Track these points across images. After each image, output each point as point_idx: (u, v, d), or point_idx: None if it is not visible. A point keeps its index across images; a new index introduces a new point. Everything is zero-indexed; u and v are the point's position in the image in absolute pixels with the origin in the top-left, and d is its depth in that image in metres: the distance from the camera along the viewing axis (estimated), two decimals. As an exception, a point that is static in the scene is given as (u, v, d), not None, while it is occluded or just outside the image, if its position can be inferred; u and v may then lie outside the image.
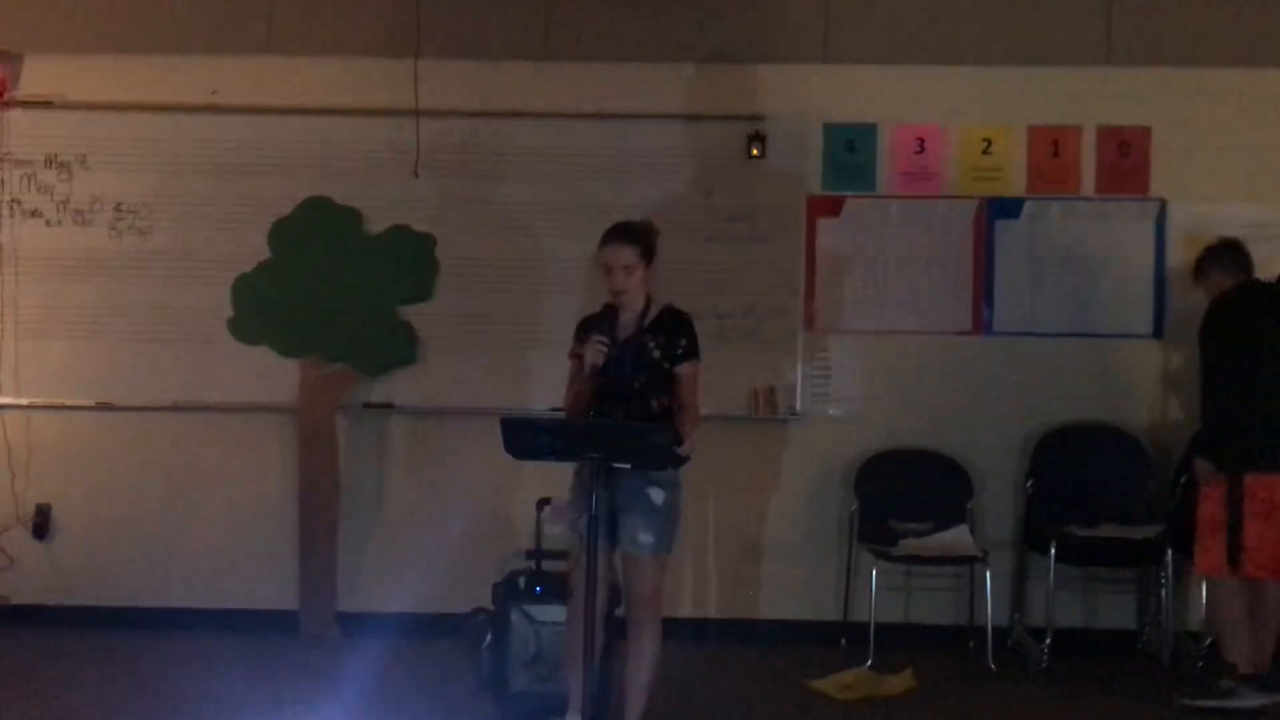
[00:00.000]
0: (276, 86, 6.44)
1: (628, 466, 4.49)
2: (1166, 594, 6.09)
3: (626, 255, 4.74)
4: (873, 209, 6.44)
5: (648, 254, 4.79)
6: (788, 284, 6.39)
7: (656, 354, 4.75)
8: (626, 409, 4.71)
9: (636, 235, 4.79)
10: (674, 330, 4.79)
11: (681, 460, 4.67)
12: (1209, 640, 5.99)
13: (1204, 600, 5.99)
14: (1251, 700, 5.38)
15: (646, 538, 4.67)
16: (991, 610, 5.99)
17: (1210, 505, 5.47)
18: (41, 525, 6.49)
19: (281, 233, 6.42)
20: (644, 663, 4.76)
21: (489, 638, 5.39)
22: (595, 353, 4.63)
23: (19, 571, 6.48)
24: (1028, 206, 6.42)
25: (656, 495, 4.69)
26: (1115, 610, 6.40)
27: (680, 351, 4.77)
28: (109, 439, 6.51)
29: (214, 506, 6.49)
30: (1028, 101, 6.40)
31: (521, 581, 5.36)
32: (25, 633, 6.28)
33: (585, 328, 4.85)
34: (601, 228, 4.85)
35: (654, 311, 4.82)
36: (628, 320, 4.78)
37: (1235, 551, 5.39)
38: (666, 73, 6.42)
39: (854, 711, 5.40)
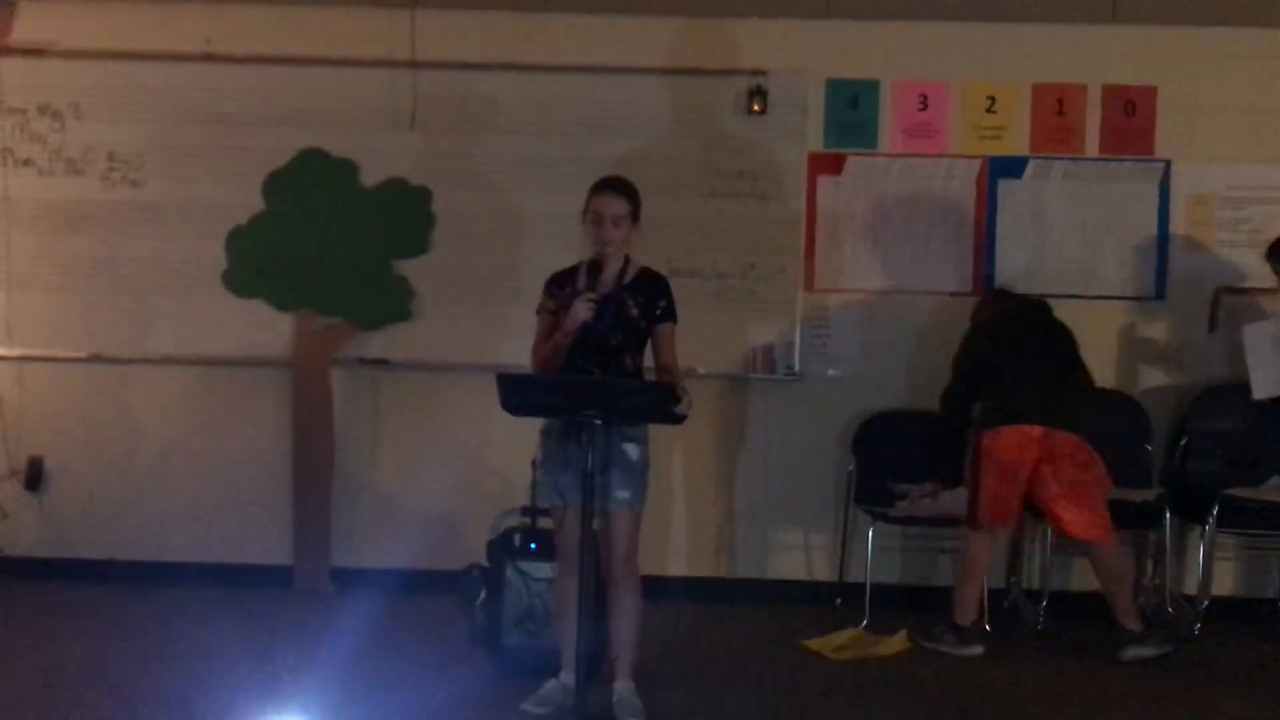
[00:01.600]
0: (272, 36, 6.42)
1: (599, 424, 4.48)
2: (1165, 557, 6.14)
3: (619, 206, 4.76)
4: (874, 167, 6.45)
5: (636, 211, 4.81)
6: (787, 243, 6.41)
7: (635, 312, 4.77)
8: (603, 366, 4.72)
9: (629, 189, 4.82)
10: (653, 290, 4.81)
11: (680, 419, 4.70)
12: (1205, 604, 6.06)
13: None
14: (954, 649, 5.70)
15: (624, 493, 4.71)
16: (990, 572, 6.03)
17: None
18: (34, 477, 6.52)
19: (276, 184, 6.42)
20: (630, 620, 4.80)
21: (483, 594, 5.41)
22: (586, 309, 4.64)
23: (12, 524, 6.53)
24: (1031, 166, 6.42)
25: (633, 451, 4.73)
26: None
27: (659, 312, 4.79)
28: (102, 391, 6.54)
29: (207, 460, 6.52)
30: (1033, 59, 6.39)
31: (516, 538, 5.39)
32: (17, 585, 6.32)
33: (556, 282, 4.87)
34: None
35: (632, 271, 4.84)
36: (606, 277, 4.79)
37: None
38: (667, 27, 6.40)
39: (848, 671, 5.45)
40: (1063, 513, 5.66)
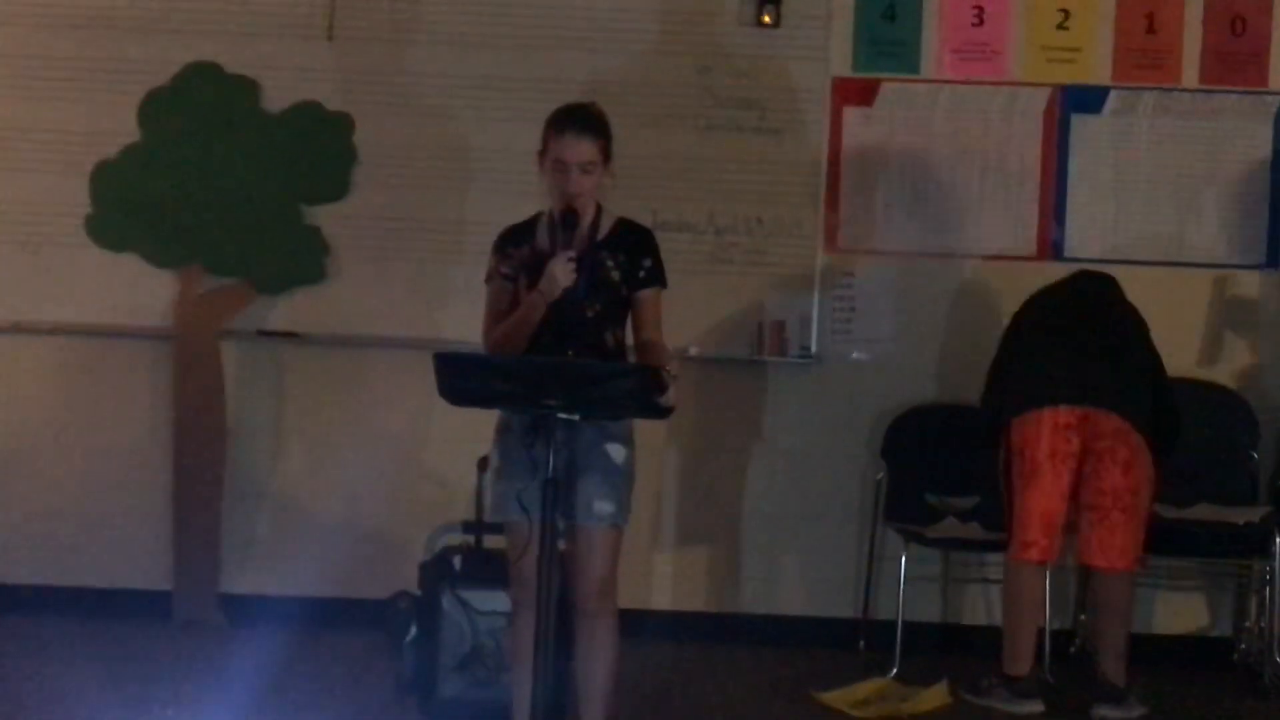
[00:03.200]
0: (152, -82, 6.44)
1: (577, 418, 4.48)
2: (1272, 592, 6.18)
3: (587, 150, 4.68)
4: (916, 96, 6.49)
5: (609, 150, 4.77)
6: (805, 191, 6.44)
7: (615, 275, 4.74)
8: (576, 344, 4.70)
9: (599, 124, 4.75)
10: (636, 248, 4.75)
11: (666, 411, 4.72)
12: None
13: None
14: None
15: (605, 505, 4.67)
16: (1050, 609, 6.08)
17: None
18: None
19: (155, 108, 6.43)
20: (604, 664, 4.79)
21: (413, 630, 5.44)
22: (566, 272, 4.63)
23: None
24: (1113, 98, 6.47)
25: (617, 453, 4.69)
26: (1205, 610, 6.54)
27: (644, 274, 4.75)
28: (-71, 367, 6.55)
29: (67, 458, 6.53)
30: (1117, -39, 6.44)
31: (456, 560, 5.41)
32: None
33: (509, 240, 4.84)
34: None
35: (607, 224, 4.80)
36: (578, 236, 4.74)
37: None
38: (653, -89, 6.44)
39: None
40: (1101, 529, 5.70)
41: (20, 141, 6.46)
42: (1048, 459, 5.65)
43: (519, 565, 4.76)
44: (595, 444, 4.66)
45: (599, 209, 4.78)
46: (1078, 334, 5.78)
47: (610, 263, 4.72)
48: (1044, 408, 5.66)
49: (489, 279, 4.83)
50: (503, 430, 4.80)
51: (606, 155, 4.74)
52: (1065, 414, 5.65)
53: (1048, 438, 5.65)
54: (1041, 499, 5.66)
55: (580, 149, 4.66)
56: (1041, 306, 5.91)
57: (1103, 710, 5.64)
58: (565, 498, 4.60)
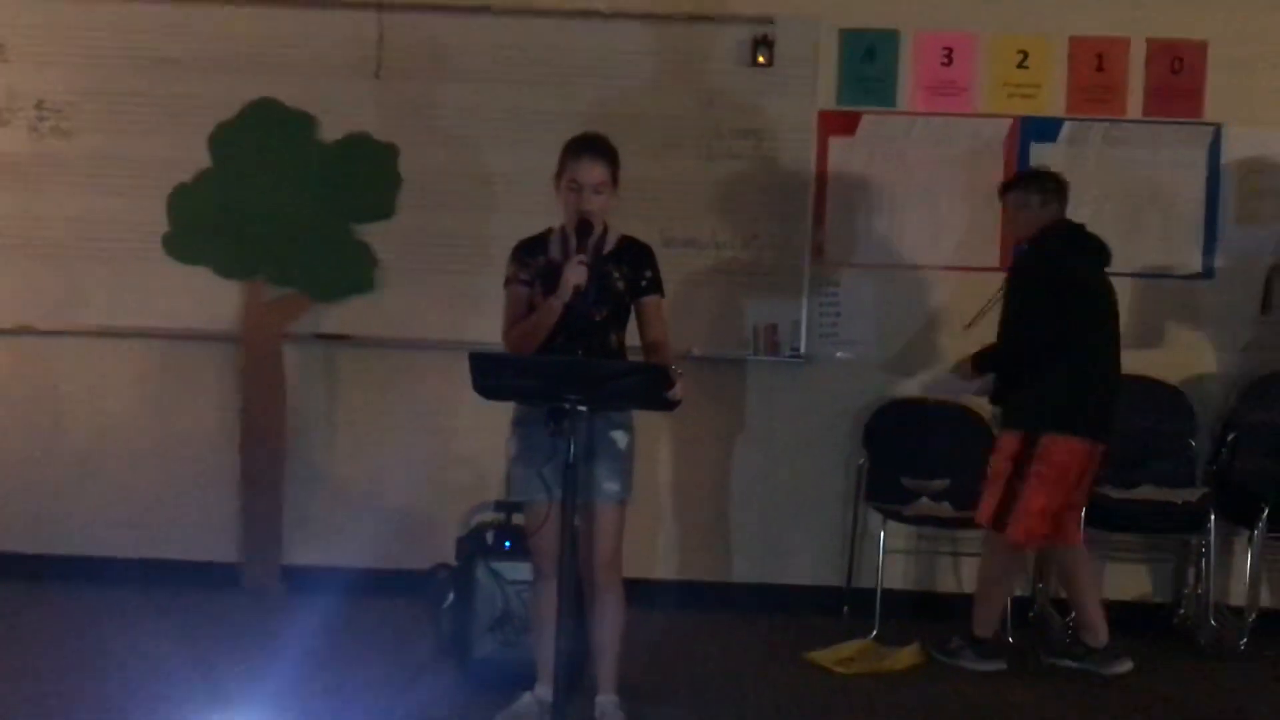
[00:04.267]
0: (221, -29, 6.39)
1: (586, 410, 4.45)
2: (1207, 564, 6.12)
3: (600, 172, 4.69)
4: (892, 127, 6.43)
5: (617, 173, 4.76)
6: (794, 210, 6.39)
7: (620, 284, 4.74)
8: (586, 344, 4.69)
9: (610, 151, 4.75)
10: (638, 260, 4.77)
11: (673, 405, 4.66)
12: (1252, 616, 6.07)
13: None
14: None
15: (613, 485, 4.69)
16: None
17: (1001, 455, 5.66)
18: (-50, 462, 6.51)
19: (224, 138, 6.39)
20: (614, 628, 4.78)
21: (451, 597, 5.42)
22: (578, 272, 4.59)
23: (-76, 513, 6.50)
24: (1067, 128, 6.41)
25: (620, 438, 4.71)
26: (1148, 580, 6.46)
27: (645, 283, 4.76)
28: (29, 367, 6.51)
29: (145, 445, 6.50)
30: (1070, 9, 6.37)
31: (489, 535, 5.38)
32: (-70, 581, 6.31)
33: (526, 250, 4.82)
34: (589, 139, 4.84)
35: (613, 240, 4.79)
36: (590, 244, 4.72)
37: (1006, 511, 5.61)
38: (660, -35, 6.39)
39: (855, 687, 5.43)
40: (1075, 518, 5.70)
41: (107, 168, 6.42)
42: (1075, 478, 5.57)
43: (536, 539, 4.74)
44: (602, 431, 4.68)
45: (606, 227, 4.78)
46: (1111, 353, 5.69)
47: (615, 273, 4.74)
48: (1096, 443, 5.58)
49: (507, 284, 4.84)
50: (519, 423, 4.79)
51: (615, 179, 4.73)
52: (1101, 448, 5.62)
53: (1085, 465, 5.59)
54: (1054, 502, 5.56)
55: (594, 172, 4.69)
56: (1106, 305, 5.69)
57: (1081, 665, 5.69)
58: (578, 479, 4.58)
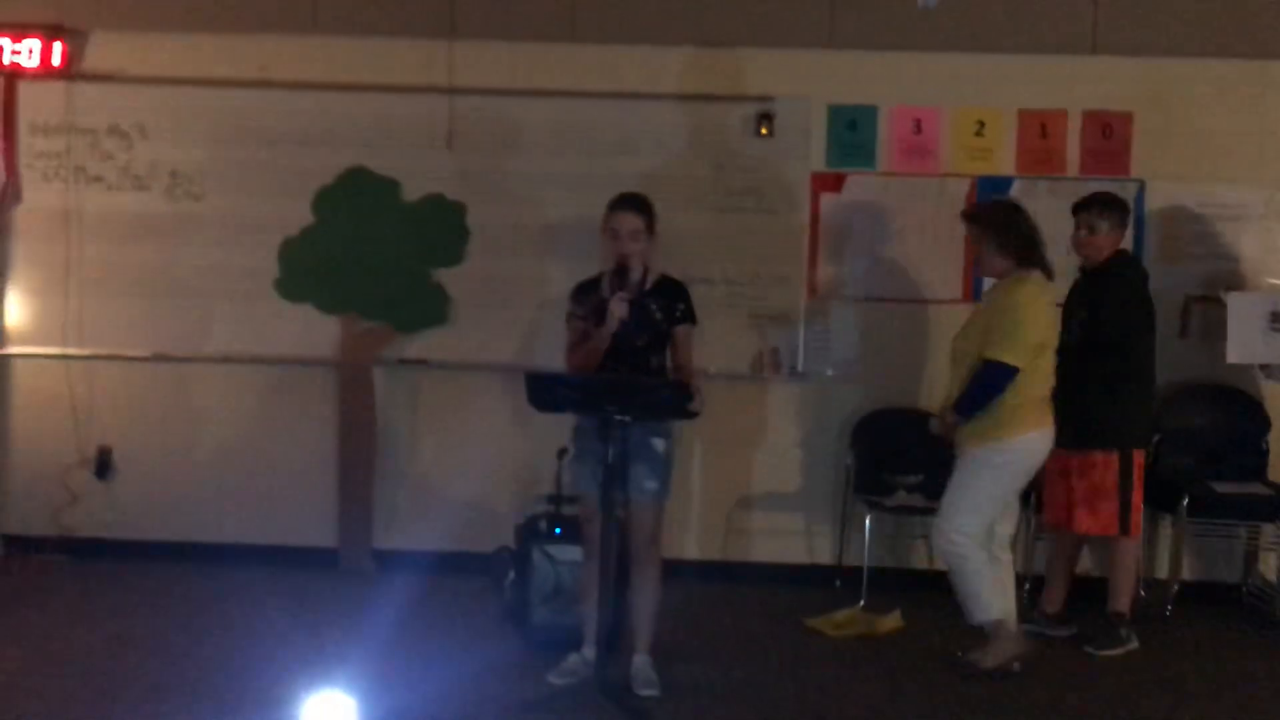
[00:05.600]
0: (321, 64, 6.41)
1: (629, 420, 4.47)
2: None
3: (635, 221, 4.73)
4: (872, 185, 6.40)
5: (651, 224, 4.78)
6: (792, 254, 6.36)
7: (658, 315, 4.75)
8: (631, 366, 4.70)
9: (644, 205, 4.79)
10: (673, 295, 4.80)
11: (693, 415, 4.66)
12: (1175, 587, 6.01)
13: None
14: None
15: (652, 484, 4.69)
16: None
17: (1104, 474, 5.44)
18: (102, 465, 6.52)
19: (324, 199, 6.40)
20: (649, 599, 4.79)
21: (512, 574, 5.41)
22: (623, 306, 4.61)
23: (82, 508, 6.52)
24: (1016, 185, 6.37)
25: (660, 445, 4.72)
26: (1084, 557, 6.38)
27: (679, 314, 4.77)
28: (165, 387, 6.53)
29: (261, 451, 6.51)
30: (1018, 86, 6.34)
31: (542, 523, 5.38)
32: (85, 564, 6.32)
33: (582, 290, 4.84)
34: (618, 200, 4.87)
35: (652, 278, 4.81)
36: (629, 285, 4.75)
37: (1128, 516, 5.43)
38: (681, 56, 6.38)
39: (846, 648, 5.42)
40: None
41: (229, 225, 6.44)
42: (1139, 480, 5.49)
43: (587, 526, 4.74)
44: (644, 439, 4.67)
45: (647, 269, 4.79)
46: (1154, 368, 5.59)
47: (654, 306, 4.74)
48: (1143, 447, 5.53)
49: (568, 320, 4.85)
50: (578, 430, 4.80)
51: (651, 228, 4.75)
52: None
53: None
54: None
55: (629, 220, 4.71)
56: (1149, 311, 5.53)
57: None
58: (622, 479, 4.59)
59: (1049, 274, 5.17)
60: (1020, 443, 4.99)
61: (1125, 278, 5.53)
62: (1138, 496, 5.46)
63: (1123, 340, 5.43)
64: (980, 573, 5.01)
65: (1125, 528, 5.45)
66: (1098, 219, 5.55)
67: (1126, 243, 6.15)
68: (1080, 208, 5.64)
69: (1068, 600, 5.72)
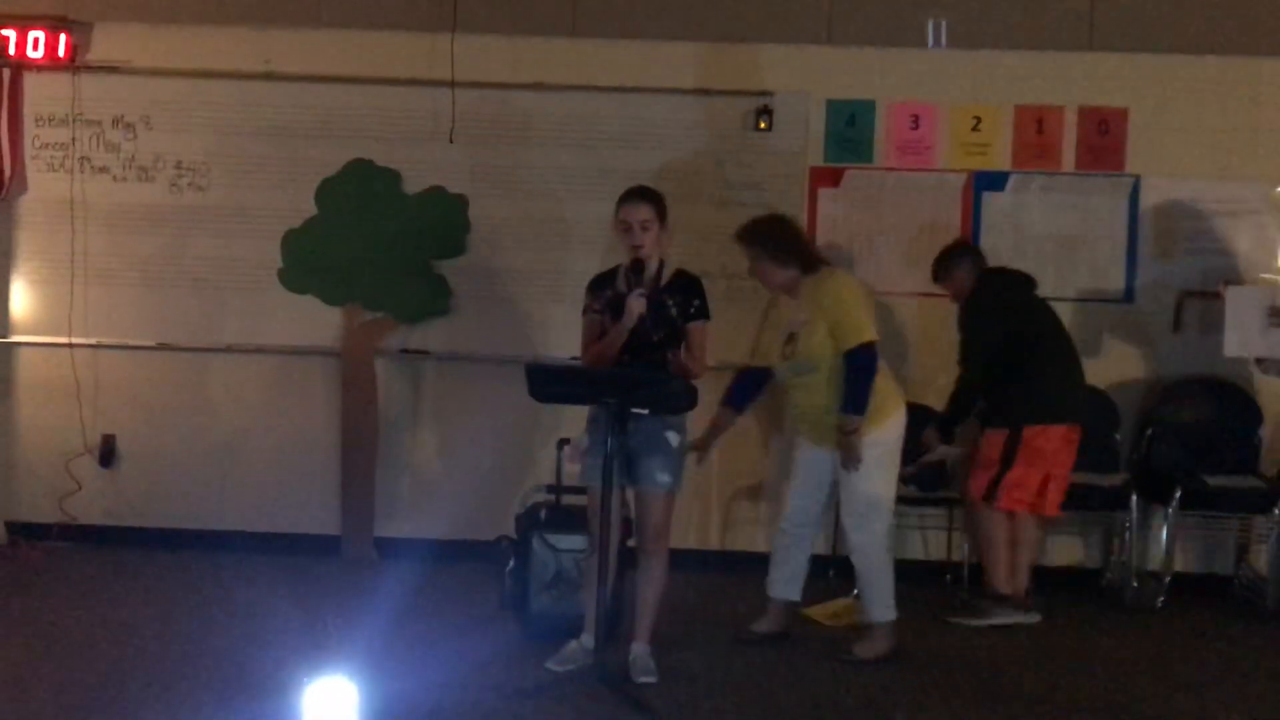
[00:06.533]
0: (325, 57, 6.41)
1: (645, 412, 4.48)
2: (1130, 535, 6.09)
3: (644, 211, 4.72)
4: (870, 180, 6.40)
5: (661, 214, 4.76)
6: (790, 247, 6.36)
7: (673, 311, 4.74)
8: (646, 361, 4.70)
9: (653, 195, 4.78)
10: (689, 291, 4.78)
11: (690, 405, 4.66)
12: (1167, 579, 6.02)
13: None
14: (1006, 618, 5.57)
15: (665, 477, 4.69)
16: (969, 548, 6.03)
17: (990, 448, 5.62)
18: (107, 453, 6.52)
19: (327, 191, 6.40)
20: (653, 588, 4.79)
21: (512, 563, 5.40)
22: (641, 302, 4.62)
23: (86, 495, 6.52)
24: (1012, 180, 6.37)
25: (673, 438, 4.71)
26: (1079, 549, 6.42)
27: (693, 310, 4.75)
28: (169, 376, 6.53)
29: (264, 440, 6.51)
30: (1015, 82, 6.34)
31: (542, 512, 5.38)
32: (90, 550, 6.34)
33: (598, 284, 4.83)
34: (618, 192, 4.87)
35: (668, 273, 4.80)
36: (645, 279, 4.75)
37: (994, 487, 5.57)
38: (682, 50, 6.37)
39: (840, 637, 5.41)
40: (1056, 493, 5.64)
41: (234, 215, 6.45)
42: (1049, 456, 5.55)
43: (596, 517, 4.73)
44: (658, 431, 4.68)
45: (662, 263, 4.79)
46: (1069, 351, 5.69)
47: (670, 302, 4.75)
48: (1063, 423, 5.57)
49: (584, 312, 4.85)
50: (590, 422, 4.80)
51: (662, 218, 4.75)
52: (1072, 430, 5.60)
53: (1061, 446, 5.58)
54: (1029, 476, 5.56)
55: (639, 211, 4.72)
56: (1041, 318, 5.70)
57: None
58: (634, 470, 4.61)
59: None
60: (897, 419, 5.10)
61: (977, 301, 5.69)
62: (1018, 472, 5.53)
63: (995, 349, 5.56)
64: (891, 569, 5.12)
65: (989, 495, 5.55)
66: (951, 272, 5.79)
67: (1120, 237, 6.20)
68: (936, 275, 5.85)
69: (1030, 586, 5.74)
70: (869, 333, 4.98)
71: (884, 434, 5.03)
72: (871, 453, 4.99)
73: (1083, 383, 5.79)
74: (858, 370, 4.93)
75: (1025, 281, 5.81)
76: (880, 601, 5.10)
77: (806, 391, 5.10)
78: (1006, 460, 5.55)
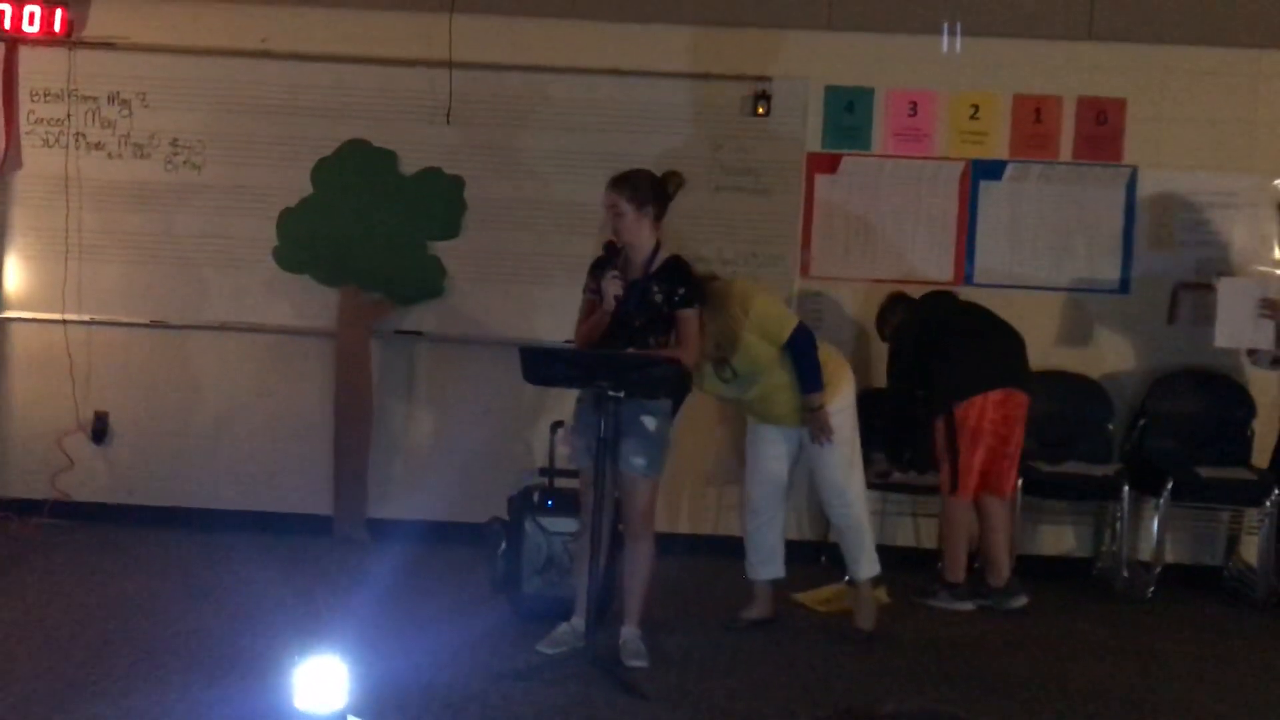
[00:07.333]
0: (322, 36, 6.37)
1: (621, 395, 4.46)
2: (1122, 525, 6.09)
3: (610, 197, 4.72)
4: (867, 167, 6.37)
5: (638, 200, 4.69)
6: (787, 234, 6.34)
7: (658, 298, 4.71)
8: (626, 344, 4.68)
9: (623, 182, 4.73)
10: (676, 278, 4.75)
11: (684, 391, 4.64)
12: (1158, 569, 6.01)
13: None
14: (947, 604, 5.63)
15: (639, 460, 4.67)
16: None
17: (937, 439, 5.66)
18: (100, 430, 6.50)
19: (323, 171, 6.37)
20: (639, 573, 4.78)
21: (504, 545, 5.39)
22: (615, 285, 4.59)
23: (79, 472, 6.50)
24: (1010, 169, 6.35)
25: (649, 422, 4.69)
26: (1070, 538, 6.41)
27: (679, 298, 4.72)
28: (162, 354, 6.50)
29: (258, 419, 6.49)
30: (1014, 71, 6.32)
31: (535, 495, 5.36)
32: (83, 527, 6.31)
33: (598, 265, 4.82)
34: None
35: (660, 259, 4.77)
36: (636, 263, 4.73)
37: (955, 477, 5.61)
38: (681, 34, 6.34)
39: (832, 622, 5.41)
40: (1008, 471, 5.64)
41: (228, 195, 6.42)
42: (991, 429, 5.55)
43: (584, 497, 4.73)
44: (635, 415, 4.65)
45: (657, 248, 4.76)
46: (989, 335, 5.68)
47: (655, 288, 4.72)
48: (984, 392, 5.54)
49: (584, 292, 4.85)
50: (578, 402, 4.79)
51: (638, 204, 4.70)
52: (997, 395, 5.56)
53: (988, 413, 5.54)
54: (979, 457, 5.56)
55: (608, 195, 4.73)
56: (947, 322, 5.75)
57: (1010, 602, 5.61)
58: (613, 453, 4.59)
59: None
60: (848, 384, 5.22)
61: (895, 328, 5.86)
62: (967, 457, 5.54)
63: (909, 357, 5.69)
64: (869, 525, 5.30)
65: (952, 486, 5.58)
66: (889, 321, 5.92)
67: (1116, 228, 6.20)
68: (881, 333, 5.99)
69: (1014, 571, 5.74)
70: (792, 317, 5.13)
71: (842, 400, 5.17)
72: (835, 420, 5.10)
73: (1010, 352, 5.69)
74: (801, 353, 5.04)
75: (937, 294, 5.92)
76: (867, 557, 5.23)
77: (758, 386, 5.12)
78: (952, 447, 5.58)
